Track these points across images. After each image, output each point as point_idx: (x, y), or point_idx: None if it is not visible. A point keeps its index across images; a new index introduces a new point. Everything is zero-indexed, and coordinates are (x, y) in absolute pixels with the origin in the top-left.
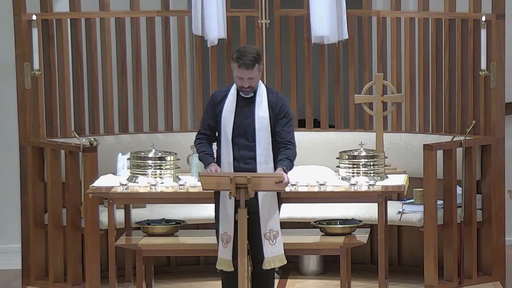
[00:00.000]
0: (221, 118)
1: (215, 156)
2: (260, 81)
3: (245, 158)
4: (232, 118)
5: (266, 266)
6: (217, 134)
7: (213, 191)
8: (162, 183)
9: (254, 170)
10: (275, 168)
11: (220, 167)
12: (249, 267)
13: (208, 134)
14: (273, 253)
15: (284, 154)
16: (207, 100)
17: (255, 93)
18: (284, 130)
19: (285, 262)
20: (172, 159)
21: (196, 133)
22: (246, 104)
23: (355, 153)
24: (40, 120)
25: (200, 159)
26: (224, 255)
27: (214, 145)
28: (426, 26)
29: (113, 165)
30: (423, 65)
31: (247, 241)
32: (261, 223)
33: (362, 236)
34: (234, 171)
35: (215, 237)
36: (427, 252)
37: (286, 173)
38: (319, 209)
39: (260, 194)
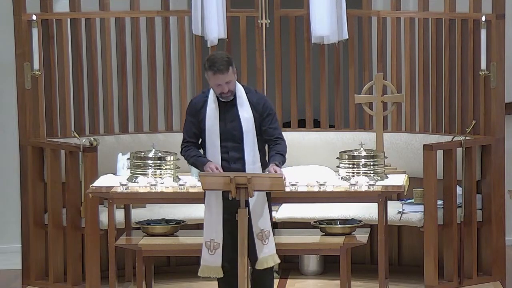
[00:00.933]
0: (205, 126)
1: None
2: (237, 82)
3: (234, 159)
4: (218, 124)
5: (259, 266)
6: (200, 141)
7: (214, 190)
8: (162, 183)
9: (243, 170)
10: (262, 167)
11: None
12: (249, 267)
13: (194, 142)
14: (266, 253)
15: (274, 149)
16: None
17: (234, 95)
18: (271, 127)
19: (279, 261)
20: (172, 159)
21: (181, 142)
22: (228, 108)
23: (355, 153)
24: (40, 120)
25: (193, 164)
26: (210, 262)
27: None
28: (426, 26)
29: (113, 165)
30: (423, 65)
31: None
32: (253, 223)
33: (362, 236)
34: (225, 171)
35: None
36: (427, 252)
37: (280, 167)
38: (319, 209)
39: None
